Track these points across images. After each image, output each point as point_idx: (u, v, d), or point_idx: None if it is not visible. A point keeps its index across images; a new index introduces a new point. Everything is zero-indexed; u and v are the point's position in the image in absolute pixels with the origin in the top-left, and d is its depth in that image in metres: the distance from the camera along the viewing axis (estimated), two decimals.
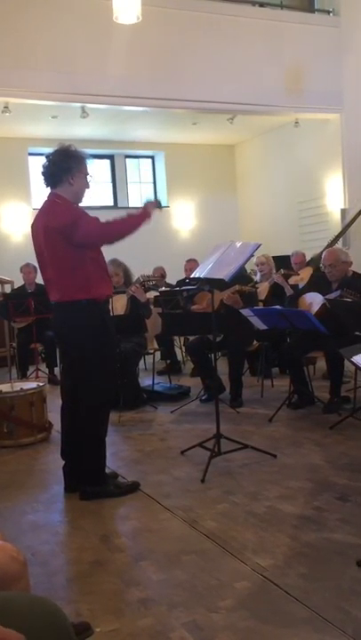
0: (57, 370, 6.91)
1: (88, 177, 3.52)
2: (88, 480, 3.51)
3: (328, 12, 9.06)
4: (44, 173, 3.49)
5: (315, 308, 5.03)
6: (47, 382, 6.33)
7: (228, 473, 3.74)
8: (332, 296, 4.98)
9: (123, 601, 2.38)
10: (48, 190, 3.53)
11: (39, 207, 3.59)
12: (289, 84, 8.22)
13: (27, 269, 7.41)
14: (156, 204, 3.56)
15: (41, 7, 6.91)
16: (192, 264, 7.85)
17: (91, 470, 3.52)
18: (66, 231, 3.31)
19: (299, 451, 4.11)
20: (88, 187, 3.54)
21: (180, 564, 2.64)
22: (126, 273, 5.93)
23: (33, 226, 3.54)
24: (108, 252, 3.63)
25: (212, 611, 2.27)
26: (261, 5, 8.65)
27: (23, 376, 7.11)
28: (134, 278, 5.98)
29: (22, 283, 7.71)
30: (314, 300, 5.17)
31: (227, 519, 3.08)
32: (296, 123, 9.92)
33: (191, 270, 7.72)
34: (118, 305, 5.63)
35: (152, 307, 6.31)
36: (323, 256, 5.38)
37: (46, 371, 7.26)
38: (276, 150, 11.20)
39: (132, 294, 5.72)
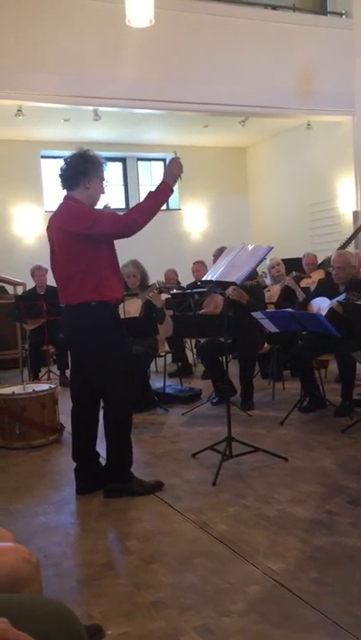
0: (68, 372, 6.93)
1: (104, 182, 3.54)
2: (113, 477, 3.53)
3: (340, 15, 9.05)
4: (61, 176, 3.51)
5: (323, 314, 5.00)
6: (58, 384, 6.35)
7: (239, 476, 3.73)
8: (340, 299, 4.96)
9: (133, 604, 2.38)
10: (63, 193, 3.55)
11: (52, 210, 3.63)
12: (301, 86, 8.21)
13: (39, 272, 7.43)
14: (178, 170, 3.48)
15: (53, 11, 6.95)
16: (199, 266, 7.85)
17: (116, 468, 3.55)
18: (86, 231, 3.31)
19: (310, 454, 4.10)
20: (103, 192, 3.56)
21: (191, 567, 2.64)
22: (143, 276, 5.92)
23: (48, 228, 3.56)
24: (121, 252, 3.63)
25: (224, 614, 2.26)
26: (273, 8, 8.67)
27: (35, 377, 7.14)
28: (150, 281, 5.98)
29: (33, 285, 7.74)
30: (321, 306, 5.15)
31: (238, 522, 3.07)
32: (308, 125, 9.91)
33: (198, 272, 7.74)
34: (132, 309, 5.63)
35: (165, 311, 6.30)
36: (332, 257, 5.35)
37: (57, 372, 7.29)
38: (288, 153, 11.19)
39: (149, 299, 5.71)
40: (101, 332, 3.42)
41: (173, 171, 3.50)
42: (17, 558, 1.45)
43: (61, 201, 3.54)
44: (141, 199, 3.51)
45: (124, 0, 4.94)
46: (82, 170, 3.44)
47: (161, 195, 3.46)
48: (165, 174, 3.52)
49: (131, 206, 3.53)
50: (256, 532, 2.95)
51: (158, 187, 3.47)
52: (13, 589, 1.38)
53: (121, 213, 3.46)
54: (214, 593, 2.42)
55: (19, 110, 8.15)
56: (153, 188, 3.50)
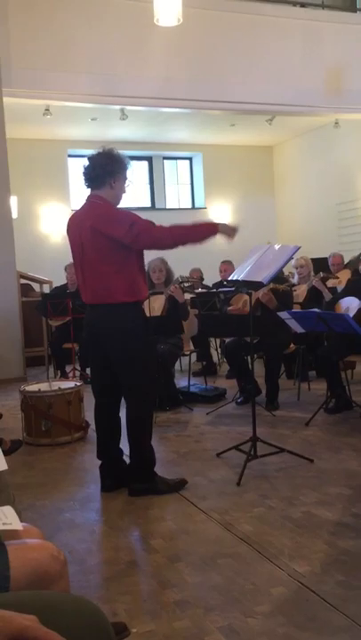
0: None
1: (127, 182, 3.55)
2: (137, 477, 3.54)
3: None
4: (86, 174, 3.49)
5: (352, 314, 4.96)
6: (82, 381, 6.38)
7: (264, 476, 3.72)
8: None
9: (158, 602, 2.38)
10: (87, 191, 3.55)
11: (78, 208, 3.63)
12: (329, 84, 8.13)
13: (72, 269, 7.45)
14: (231, 231, 3.55)
15: (81, 10, 6.99)
16: (226, 265, 7.83)
17: (139, 467, 3.56)
18: (126, 240, 3.31)
19: (336, 456, 4.06)
20: (125, 192, 3.57)
21: (216, 567, 2.63)
22: (168, 272, 5.93)
23: (72, 226, 3.54)
24: (146, 252, 3.63)
25: (249, 615, 2.25)
26: (302, 6, 8.59)
27: (62, 375, 7.18)
28: (174, 279, 5.98)
29: (61, 282, 7.79)
30: (350, 305, 5.11)
31: (263, 523, 3.06)
32: (336, 123, 9.81)
33: (226, 271, 7.72)
34: (156, 305, 5.63)
35: (189, 308, 6.30)
36: None
37: (82, 370, 7.32)
38: (315, 151, 11.10)
39: (171, 294, 5.71)
40: (131, 333, 3.42)
41: (227, 231, 3.53)
42: (45, 555, 1.45)
43: (86, 200, 3.54)
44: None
45: None
46: (109, 169, 3.44)
47: (203, 228, 3.47)
48: (222, 224, 3.54)
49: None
50: (281, 533, 2.93)
51: (206, 222, 3.51)
52: (41, 586, 1.39)
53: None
54: (239, 594, 2.41)
55: (46, 110, 8.21)
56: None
